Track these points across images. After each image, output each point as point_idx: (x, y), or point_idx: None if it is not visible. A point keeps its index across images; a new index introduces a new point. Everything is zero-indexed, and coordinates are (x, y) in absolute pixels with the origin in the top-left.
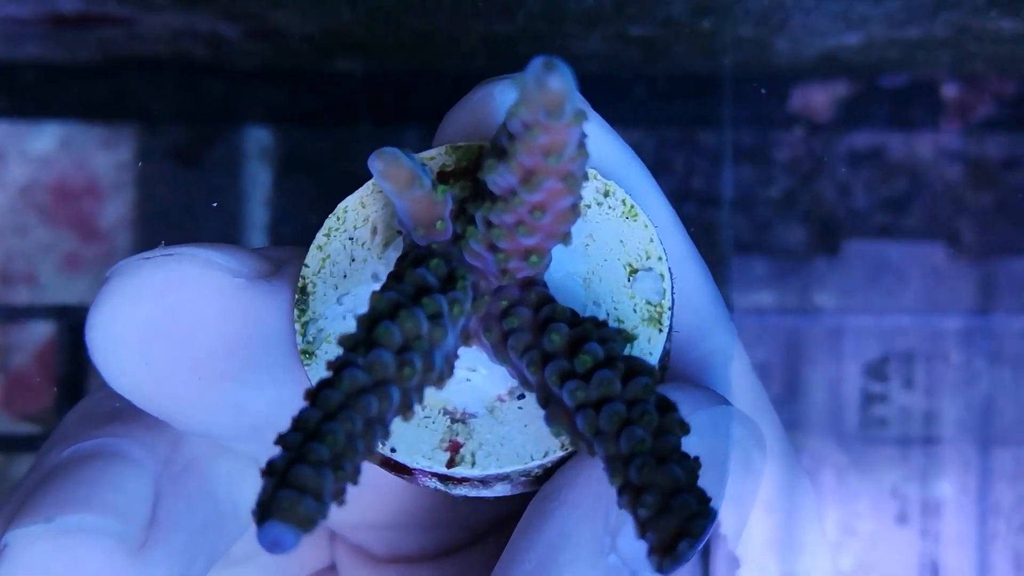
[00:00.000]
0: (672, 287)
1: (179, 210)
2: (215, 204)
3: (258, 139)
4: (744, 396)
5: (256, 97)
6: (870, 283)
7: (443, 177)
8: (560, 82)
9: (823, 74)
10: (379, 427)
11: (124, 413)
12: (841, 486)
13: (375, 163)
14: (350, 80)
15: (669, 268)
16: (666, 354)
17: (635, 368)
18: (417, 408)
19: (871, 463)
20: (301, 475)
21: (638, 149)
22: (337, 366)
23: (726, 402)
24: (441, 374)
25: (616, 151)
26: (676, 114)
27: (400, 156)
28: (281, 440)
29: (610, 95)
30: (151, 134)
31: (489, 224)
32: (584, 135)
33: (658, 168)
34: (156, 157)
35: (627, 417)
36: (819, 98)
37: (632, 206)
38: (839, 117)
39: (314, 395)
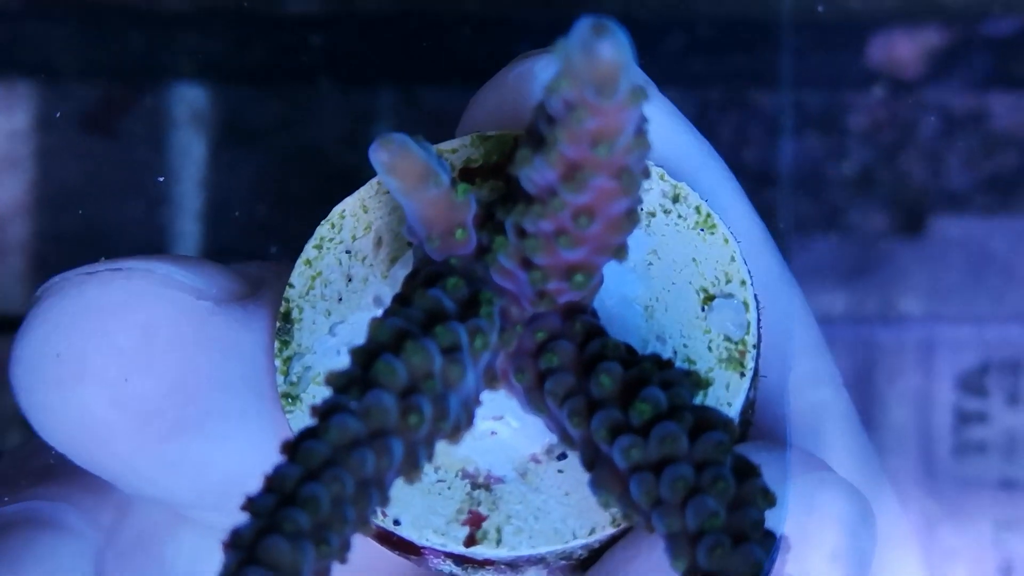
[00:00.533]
0: (759, 320)
1: (90, 192)
2: (161, 179)
3: (189, 101)
4: (851, 462)
5: (187, 48)
6: (969, 282)
7: (467, 175)
8: (613, 50)
9: (910, 18)
10: (376, 491)
11: (59, 470)
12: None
13: (379, 153)
14: (307, 25)
15: (755, 295)
16: (749, 405)
17: (707, 421)
18: (427, 468)
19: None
20: (274, 549)
21: None
22: (324, 411)
23: (826, 468)
24: (457, 424)
25: (688, 144)
26: (723, 69)
27: (411, 145)
28: (249, 504)
29: (638, 45)
30: (54, 95)
31: (522, 233)
32: (645, 119)
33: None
34: (60, 124)
35: (695, 484)
36: (905, 49)
37: (708, 215)
38: (930, 73)
39: (293, 447)
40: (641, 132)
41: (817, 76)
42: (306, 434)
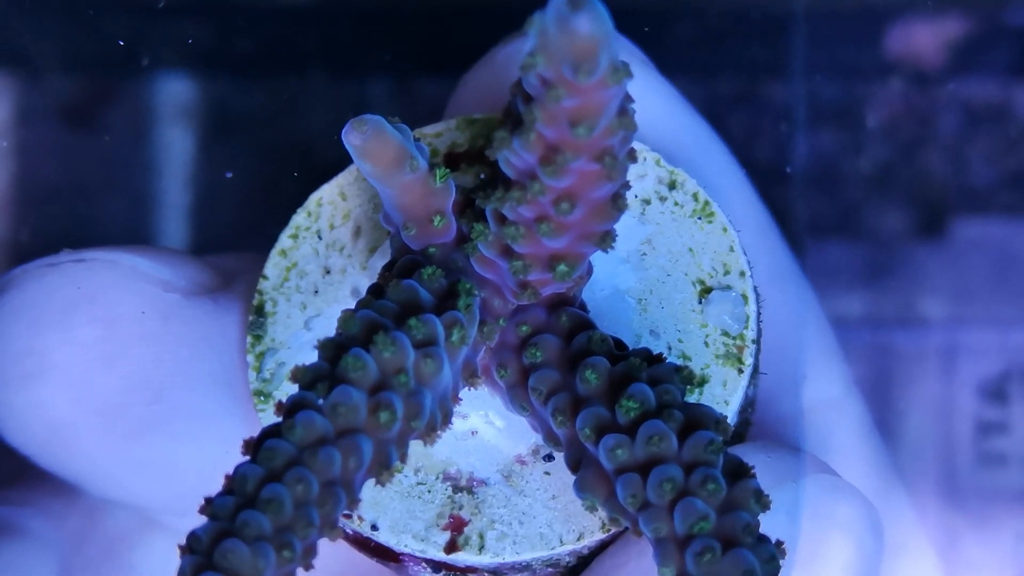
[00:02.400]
0: (759, 313)
1: (70, 188)
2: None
3: (174, 92)
4: (861, 466)
5: (171, 36)
6: (992, 283)
7: (453, 160)
8: (591, 23)
9: (930, 7)
10: (343, 492)
11: (25, 473)
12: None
13: (351, 136)
14: (296, 14)
15: (755, 288)
16: (749, 404)
17: (698, 420)
18: (406, 470)
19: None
20: (232, 554)
21: None
22: (289, 408)
23: (831, 472)
24: (432, 423)
25: (688, 128)
26: (733, 60)
27: (385, 127)
28: (208, 506)
29: (645, 35)
30: (32, 87)
31: (502, 220)
32: (629, 99)
33: None
34: (39, 117)
35: (684, 486)
36: (924, 39)
37: (707, 202)
38: (951, 64)
39: (256, 446)
40: (625, 112)
41: (832, 67)
42: (269, 432)
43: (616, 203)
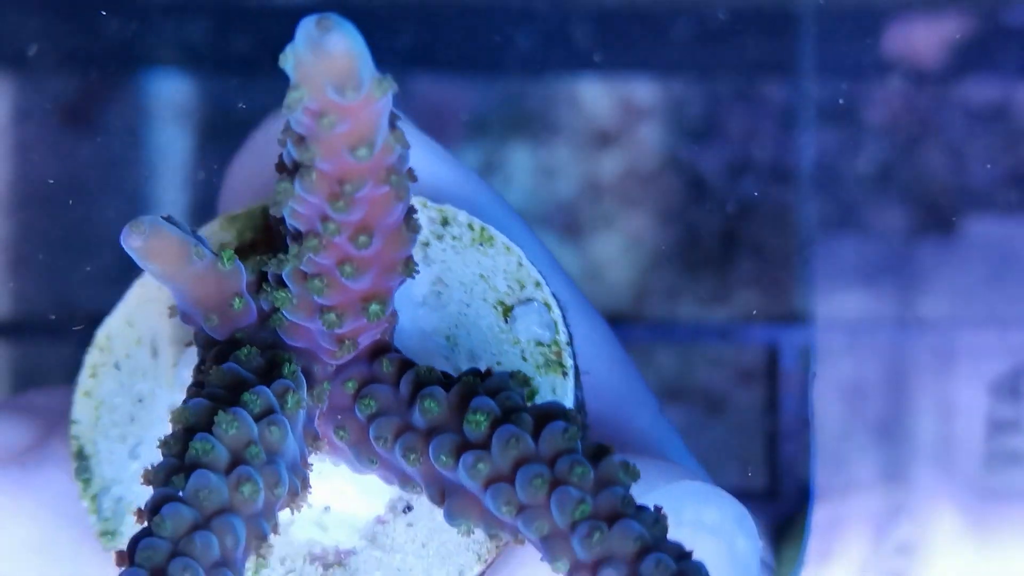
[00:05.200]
0: (565, 316)
1: (68, 187)
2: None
3: (171, 91)
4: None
5: (167, 35)
6: (993, 281)
7: None
8: (345, 40)
9: (930, 7)
10: (230, 574)
11: None
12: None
13: (130, 239)
14: (296, 14)
15: (554, 293)
16: (580, 406)
17: (546, 414)
18: (273, 561)
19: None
20: None
21: (681, 105)
22: (152, 507)
23: (695, 476)
24: (293, 489)
25: (457, 175)
26: (733, 59)
27: (162, 224)
28: None
29: (644, 35)
30: (28, 86)
31: (303, 277)
32: (395, 115)
33: (707, 131)
34: (37, 116)
35: (553, 477)
36: (924, 39)
37: (483, 228)
38: (951, 64)
39: (130, 553)
40: (396, 126)
41: (832, 66)
42: (140, 535)
43: (409, 225)
